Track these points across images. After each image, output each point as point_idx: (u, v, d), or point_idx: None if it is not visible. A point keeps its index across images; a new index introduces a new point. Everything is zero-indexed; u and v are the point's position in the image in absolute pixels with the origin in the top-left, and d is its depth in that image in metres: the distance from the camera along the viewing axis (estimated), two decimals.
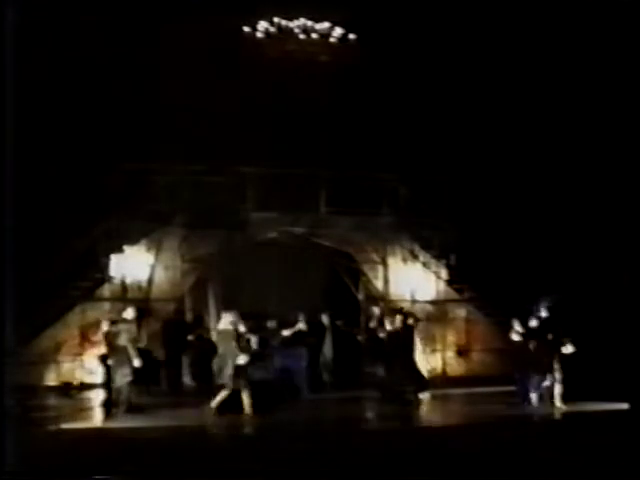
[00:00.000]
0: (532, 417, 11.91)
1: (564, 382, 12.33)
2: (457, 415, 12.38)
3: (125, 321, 11.93)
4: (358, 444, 9.44)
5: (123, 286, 14.30)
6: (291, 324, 13.45)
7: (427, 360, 14.97)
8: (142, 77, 16.27)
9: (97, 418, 11.44)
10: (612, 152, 16.32)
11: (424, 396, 12.91)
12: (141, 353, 11.73)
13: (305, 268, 16.21)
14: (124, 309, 13.11)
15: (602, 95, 16.44)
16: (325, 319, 14.37)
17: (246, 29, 18.19)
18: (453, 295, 15.97)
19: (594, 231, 15.76)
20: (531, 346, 12.53)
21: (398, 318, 13.22)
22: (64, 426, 10.42)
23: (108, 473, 7.76)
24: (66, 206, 14.46)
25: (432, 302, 15.71)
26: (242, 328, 11.58)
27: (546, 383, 12.38)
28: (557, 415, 11.98)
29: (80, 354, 14.11)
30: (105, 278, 14.39)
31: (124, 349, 11.48)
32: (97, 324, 13.10)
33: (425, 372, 13.87)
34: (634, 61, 15.67)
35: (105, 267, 14.26)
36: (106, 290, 14.44)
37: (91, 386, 13.64)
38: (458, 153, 16.86)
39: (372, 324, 14.06)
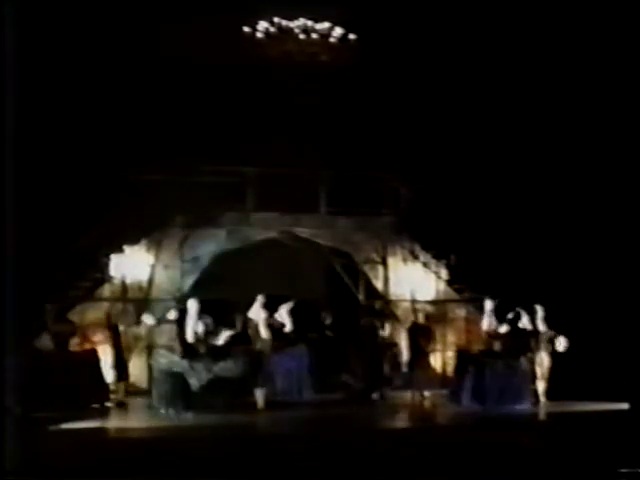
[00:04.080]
0: (522, 417, 11.94)
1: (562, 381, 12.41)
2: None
3: (167, 321, 12.15)
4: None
5: (123, 286, 14.29)
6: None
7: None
8: (142, 77, 16.28)
9: (99, 418, 11.46)
10: (612, 153, 16.34)
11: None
12: None
13: (305, 268, 16.22)
14: (124, 309, 13.26)
15: (602, 96, 16.45)
16: (327, 318, 14.43)
17: (246, 29, 18.18)
18: (453, 295, 15.97)
19: (595, 229, 15.78)
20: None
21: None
22: (65, 426, 10.43)
23: (109, 473, 7.77)
24: (66, 206, 14.46)
25: (432, 302, 15.70)
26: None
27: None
28: (553, 415, 12.02)
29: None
30: (105, 278, 14.38)
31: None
32: (98, 324, 13.19)
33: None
34: (634, 61, 15.68)
35: (105, 267, 14.26)
36: (106, 290, 14.44)
37: None
38: (459, 153, 16.87)
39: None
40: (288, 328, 13.27)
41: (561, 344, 12.66)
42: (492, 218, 15.98)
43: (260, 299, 12.91)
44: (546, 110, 16.97)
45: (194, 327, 11.99)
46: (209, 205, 14.73)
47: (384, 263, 15.93)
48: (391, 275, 15.94)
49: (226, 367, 11.76)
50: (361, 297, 16.33)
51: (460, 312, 15.69)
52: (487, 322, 13.09)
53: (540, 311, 12.89)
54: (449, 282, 15.96)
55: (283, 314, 13.26)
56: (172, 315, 12.26)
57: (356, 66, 17.70)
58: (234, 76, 16.63)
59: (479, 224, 15.73)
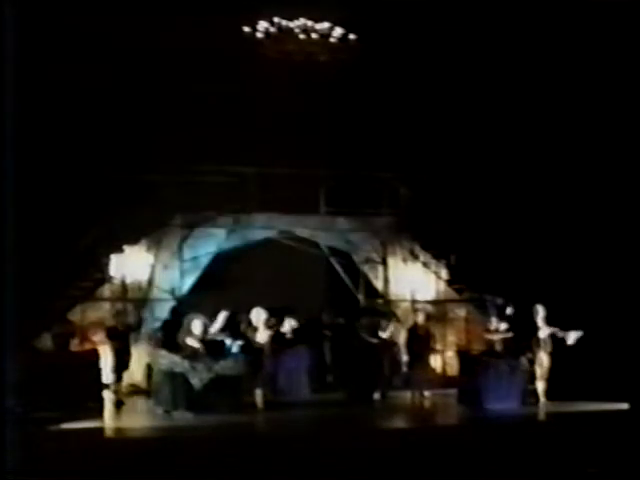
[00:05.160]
0: (520, 417, 11.94)
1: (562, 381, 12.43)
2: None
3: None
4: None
5: (123, 286, 14.30)
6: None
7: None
8: (142, 77, 16.29)
9: (99, 418, 11.45)
10: (612, 151, 16.34)
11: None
12: None
13: (305, 268, 16.23)
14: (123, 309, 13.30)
15: (601, 93, 16.45)
16: (327, 318, 14.47)
17: (246, 29, 18.19)
18: (453, 295, 15.97)
19: (594, 229, 15.78)
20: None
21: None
22: (65, 426, 10.42)
23: (109, 473, 7.77)
24: (67, 206, 14.47)
25: (432, 302, 15.71)
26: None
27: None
28: (551, 415, 12.03)
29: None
30: (105, 278, 14.39)
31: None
32: (98, 324, 13.20)
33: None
34: (634, 62, 15.69)
35: (105, 267, 14.26)
36: (106, 290, 14.44)
37: None
38: (459, 152, 16.88)
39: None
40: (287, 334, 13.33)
41: (571, 338, 12.59)
42: (492, 218, 15.98)
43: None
44: (546, 109, 16.96)
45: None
46: (209, 205, 14.73)
47: (384, 263, 15.94)
48: (391, 275, 15.95)
49: (227, 366, 11.79)
50: (361, 297, 16.34)
51: (460, 312, 15.69)
52: (492, 322, 13.08)
53: (541, 311, 12.89)
54: (449, 282, 15.96)
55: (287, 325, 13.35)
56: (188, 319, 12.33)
57: (356, 66, 17.71)
58: (234, 76, 16.63)
59: (479, 224, 15.73)
